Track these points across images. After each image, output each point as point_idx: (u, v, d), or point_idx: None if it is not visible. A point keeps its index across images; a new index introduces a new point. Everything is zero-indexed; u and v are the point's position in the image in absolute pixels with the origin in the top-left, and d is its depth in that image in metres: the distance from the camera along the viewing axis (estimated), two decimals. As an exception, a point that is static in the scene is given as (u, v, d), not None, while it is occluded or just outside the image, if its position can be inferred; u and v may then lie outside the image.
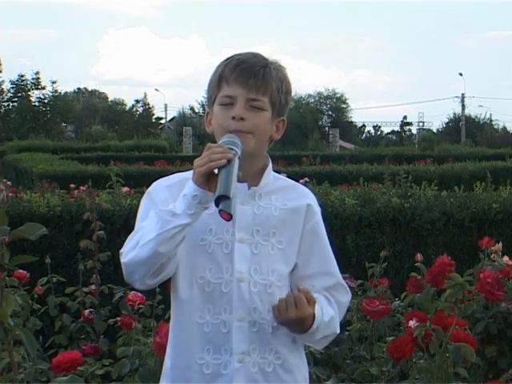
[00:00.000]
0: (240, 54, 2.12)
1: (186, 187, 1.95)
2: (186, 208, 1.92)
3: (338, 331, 2.14)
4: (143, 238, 1.95)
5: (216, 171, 1.93)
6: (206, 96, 2.18)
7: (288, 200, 2.12)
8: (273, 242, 2.07)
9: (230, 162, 1.93)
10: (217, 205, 1.89)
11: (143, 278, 1.97)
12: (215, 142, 2.03)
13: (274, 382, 2.05)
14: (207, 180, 1.92)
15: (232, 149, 1.96)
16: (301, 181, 6.98)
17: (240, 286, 2.03)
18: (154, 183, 2.12)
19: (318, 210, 2.17)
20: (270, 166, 2.14)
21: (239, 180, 2.00)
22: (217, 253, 2.04)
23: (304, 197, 2.15)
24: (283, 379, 2.06)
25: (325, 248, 2.16)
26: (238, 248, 2.04)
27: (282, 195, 2.12)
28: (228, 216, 1.89)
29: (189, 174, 2.07)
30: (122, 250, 2.00)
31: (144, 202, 2.10)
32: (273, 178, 2.14)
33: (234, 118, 2.03)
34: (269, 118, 2.09)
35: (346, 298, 2.18)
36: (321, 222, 2.16)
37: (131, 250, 1.96)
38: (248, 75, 2.05)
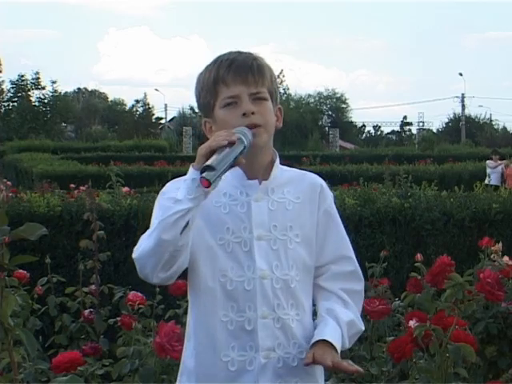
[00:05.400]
0: (224, 55, 2.11)
1: (188, 173, 1.95)
2: (186, 193, 1.91)
3: (363, 328, 2.14)
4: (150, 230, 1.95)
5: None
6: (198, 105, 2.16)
7: (300, 192, 2.12)
8: (290, 236, 2.07)
9: (232, 145, 1.92)
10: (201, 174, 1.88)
11: (154, 271, 1.95)
12: None
13: (299, 377, 2.06)
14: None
15: (239, 138, 1.95)
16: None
17: (263, 283, 2.03)
18: (168, 184, 2.11)
19: (329, 193, 2.18)
20: (278, 159, 2.15)
21: (247, 173, 2.05)
22: (236, 251, 2.04)
23: (315, 184, 2.16)
24: (308, 372, 2.06)
25: (340, 230, 2.17)
26: (257, 245, 2.04)
27: (293, 187, 2.12)
28: (207, 183, 1.86)
29: None
30: (135, 249, 1.99)
31: (158, 202, 2.07)
32: (280, 171, 2.14)
33: (244, 114, 2.03)
34: (271, 107, 2.11)
35: (360, 285, 2.17)
36: (333, 205, 2.17)
37: (141, 244, 1.96)
38: (245, 71, 2.06)
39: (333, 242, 2.14)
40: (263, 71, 2.09)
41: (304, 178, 2.17)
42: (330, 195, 2.18)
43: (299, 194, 2.12)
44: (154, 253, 1.92)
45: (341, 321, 2.07)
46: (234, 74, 2.05)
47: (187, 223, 1.91)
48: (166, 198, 1.95)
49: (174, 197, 1.92)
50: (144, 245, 1.94)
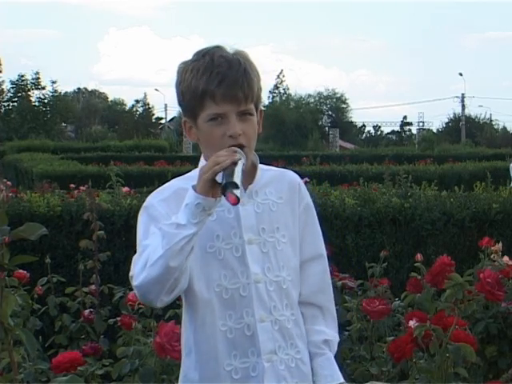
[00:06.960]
0: (215, 66, 2.01)
1: (187, 196, 1.91)
2: (190, 217, 1.89)
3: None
4: (151, 257, 1.91)
5: (219, 179, 1.90)
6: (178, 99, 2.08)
7: (281, 192, 2.13)
8: (278, 238, 2.09)
9: (235, 164, 1.90)
10: (223, 193, 1.87)
11: (159, 296, 1.93)
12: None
13: (298, 377, 2.08)
14: (211, 187, 1.90)
15: (240, 158, 1.94)
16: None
17: (258, 288, 2.04)
18: (149, 198, 2.08)
19: (306, 190, 2.20)
20: (258, 161, 2.13)
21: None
22: (228, 258, 2.04)
23: (294, 183, 2.17)
24: (304, 372, 2.09)
25: (316, 227, 2.19)
26: (248, 250, 2.05)
27: (274, 187, 2.13)
28: (235, 200, 1.86)
29: (181, 182, 2.06)
30: (130, 274, 1.96)
31: (141, 219, 2.06)
32: (261, 172, 2.14)
33: (231, 136, 1.99)
34: (256, 121, 2.08)
35: (331, 290, 2.21)
36: (311, 201, 2.19)
37: (141, 272, 1.92)
38: (235, 90, 2.00)
39: (311, 239, 2.16)
40: (252, 86, 2.03)
41: (283, 177, 2.17)
42: (307, 191, 2.20)
43: (281, 194, 2.13)
44: (160, 280, 1.90)
45: (333, 350, 2.14)
46: (225, 92, 1.99)
47: (192, 247, 1.91)
48: (167, 224, 1.91)
49: (175, 222, 1.90)
50: (147, 273, 1.90)
